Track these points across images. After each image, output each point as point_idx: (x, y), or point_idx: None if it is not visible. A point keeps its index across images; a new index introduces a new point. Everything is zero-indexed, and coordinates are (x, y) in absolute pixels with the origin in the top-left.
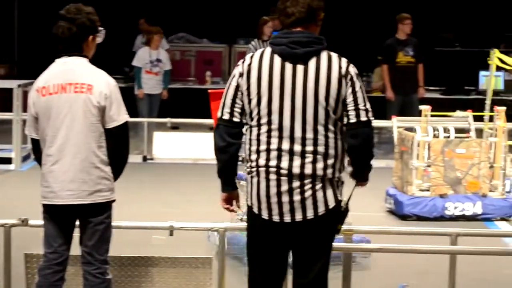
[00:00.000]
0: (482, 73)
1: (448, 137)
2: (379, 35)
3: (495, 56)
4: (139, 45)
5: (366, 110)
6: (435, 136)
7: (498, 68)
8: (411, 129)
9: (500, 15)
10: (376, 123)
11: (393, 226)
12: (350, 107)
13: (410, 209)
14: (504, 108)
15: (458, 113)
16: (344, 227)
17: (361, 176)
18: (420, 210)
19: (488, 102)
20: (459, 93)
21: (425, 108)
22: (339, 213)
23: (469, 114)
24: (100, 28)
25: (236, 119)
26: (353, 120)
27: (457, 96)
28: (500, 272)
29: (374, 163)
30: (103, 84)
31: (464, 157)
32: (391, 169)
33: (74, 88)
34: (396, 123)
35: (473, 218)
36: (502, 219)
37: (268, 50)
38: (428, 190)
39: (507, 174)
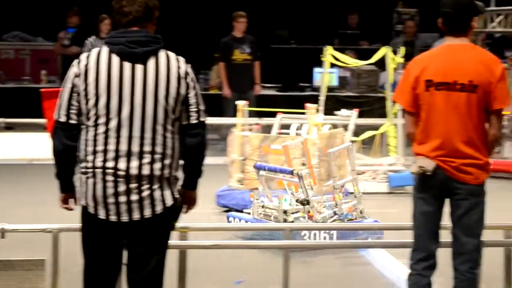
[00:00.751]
0: (316, 70)
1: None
2: (216, 32)
3: (329, 53)
4: None
5: (204, 111)
6: (297, 134)
7: (332, 65)
8: (288, 126)
9: (334, 12)
10: (214, 120)
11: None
12: (192, 108)
13: (221, 201)
14: (315, 105)
15: (343, 111)
16: (179, 224)
17: (192, 183)
18: (229, 202)
19: (322, 98)
20: (294, 90)
21: (240, 104)
22: (174, 210)
23: (354, 112)
24: None
25: (73, 121)
26: (194, 121)
27: (292, 93)
28: (331, 265)
29: (212, 159)
30: None
31: (279, 153)
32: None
33: None
34: (278, 120)
35: None
36: None
37: (105, 49)
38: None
39: None
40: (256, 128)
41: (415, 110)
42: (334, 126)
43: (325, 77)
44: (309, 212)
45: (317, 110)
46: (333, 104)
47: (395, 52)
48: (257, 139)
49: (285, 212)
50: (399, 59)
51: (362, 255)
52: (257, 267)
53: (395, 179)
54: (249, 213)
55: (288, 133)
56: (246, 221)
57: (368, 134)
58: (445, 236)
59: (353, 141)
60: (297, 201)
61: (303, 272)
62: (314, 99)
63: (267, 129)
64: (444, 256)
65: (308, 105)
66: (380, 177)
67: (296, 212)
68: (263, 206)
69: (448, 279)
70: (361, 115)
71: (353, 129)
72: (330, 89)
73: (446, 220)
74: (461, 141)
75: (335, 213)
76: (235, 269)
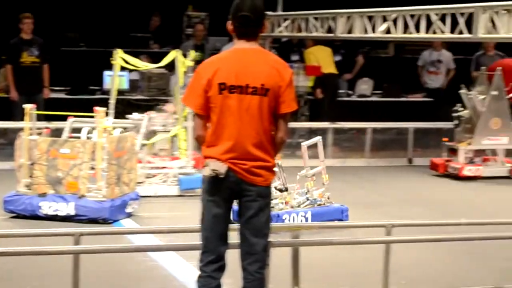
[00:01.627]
0: (106, 73)
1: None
2: (3, 34)
3: (119, 56)
4: None
5: None
6: (88, 138)
7: (123, 68)
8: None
9: (125, 15)
10: (1, 124)
11: (16, 229)
12: None
13: (8, 206)
14: (104, 108)
15: (135, 115)
16: None
17: None
18: (16, 208)
19: (112, 101)
20: (84, 93)
21: (28, 108)
22: None
23: (146, 116)
24: None
25: None
26: None
27: (82, 96)
28: (122, 269)
29: None
30: None
31: (68, 157)
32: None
33: None
34: (70, 124)
35: (66, 218)
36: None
37: None
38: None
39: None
40: (46, 132)
41: (205, 113)
42: (126, 130)
43: (115, 80)
44: (285, 198)
45: (107, 114)
46: (124, 107)
47: (185, 55)
48: (45, 143)
49: None
50: (189, 62)
51: (152, 258)
52: (43, 273)
53: (185, 181)
54: None
55: (79, 137)
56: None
57: (159, 137)
58: (233, 237)
59: (144, 145)
60: (275, 188)
61: (94, 275)
62: (105, 103)
63: (57, 133)
64: (232, 257)
65: (96, 108)
66: (170, 180)
67: (275, 199)
68: None
69: (237, 280)
70: None
71: (145, 132)
72: (120, 92)
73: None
74: (252, 144)
75: (307, 199)
76: (29, 276)
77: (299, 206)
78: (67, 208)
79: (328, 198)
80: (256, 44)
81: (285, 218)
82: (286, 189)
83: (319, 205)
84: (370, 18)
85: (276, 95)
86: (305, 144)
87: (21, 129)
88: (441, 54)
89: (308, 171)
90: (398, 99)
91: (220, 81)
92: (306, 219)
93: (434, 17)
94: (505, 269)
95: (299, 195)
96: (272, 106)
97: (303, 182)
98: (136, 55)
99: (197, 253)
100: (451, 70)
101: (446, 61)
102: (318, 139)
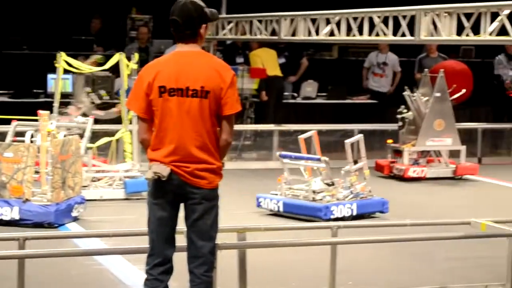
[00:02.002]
0: (50, 76)
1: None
2: None
3: (62, 59)
4: None
5: None
6: (32, 141)
7: (66, 71)
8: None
9: (67, 18)
10: None
11: None
12: None
13: None
14: (47, 112)
15: (80, 118)
16: None
17: None
18: None
19: (56, 104)
20: (27, 97)
21: None
22: None
23: (90, 119)
24: None
25: None
26: None
27: (25, 100)
28: (68, 273)
29: None
30: None
31: (11, 161)
32: None
33: None
34: (13, 128)
35: (10, 223)
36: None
37: None
38: None
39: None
40: None
41: (149, 117)
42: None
43: (59, 83)
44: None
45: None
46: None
47: (129, 58)
48: None
49: (313, 191)
50: (133, 65)
51: (99, 262)
52: None
53: (131, 185)
54: (276, 194)
55: (23, 141)
56: (278, 201)
57: (103, 140)
58: (180, 240)
59: (89, 148)
60: (323, 181)
61: (39, 280)
62: (49, 106)
63: (0, 136)
64: (179, 260)
65: (40, 111)
66: (116, 183)
67: (322, 192)
68: (290, 188)
69: (184, 283)
70: (97, 121)
71: (89, 135)
72: (64, 95)
73: (181, 224)
74: (195, 146)
75: (351, 192)
76: None
77: (344, 199)
78: (11, 213)
79: (370, 192)
80: (197, 47)
81: (333, 210)
82: (333, 183)
83: (362, 198)
84: (313, 20)
85: (217, 97)
86: (348, 141)
87: None
88: (387, 57)
89: (352, 166)
90: (343, 101)
91: (160, 84)
92: (352, 211)
93: (376, 20)
94: (450, 269)
95: (344, 188)
96: (213, 109)
97: (347, 177)
98: (76, 57)
99: (143, 257)
100: (398, 73)
101: (392, 63)
102: (360, 136)
